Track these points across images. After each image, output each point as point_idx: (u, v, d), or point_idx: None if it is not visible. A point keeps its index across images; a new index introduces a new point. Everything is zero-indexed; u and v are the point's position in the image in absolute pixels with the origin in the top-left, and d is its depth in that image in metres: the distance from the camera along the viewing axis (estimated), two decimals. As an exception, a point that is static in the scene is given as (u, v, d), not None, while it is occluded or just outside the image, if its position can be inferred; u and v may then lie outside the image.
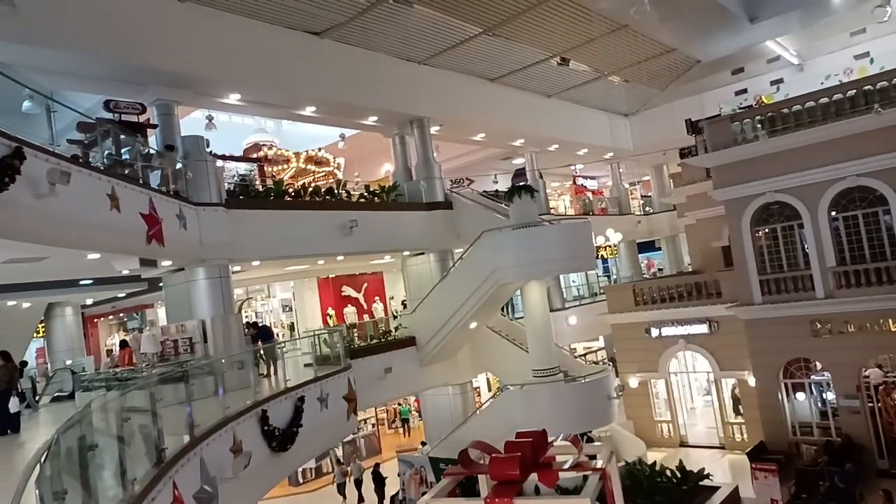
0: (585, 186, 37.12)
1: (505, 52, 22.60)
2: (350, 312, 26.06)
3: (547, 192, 29.66)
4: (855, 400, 18.94)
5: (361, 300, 26.94)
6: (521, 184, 20.44)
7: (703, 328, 22.90)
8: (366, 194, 20.33)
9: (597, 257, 25.38)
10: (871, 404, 19.05)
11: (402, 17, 18.76)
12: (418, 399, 25.16)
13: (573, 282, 33.26)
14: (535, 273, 18.22)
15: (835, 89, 19.80)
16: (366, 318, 25.32)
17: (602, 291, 29.02)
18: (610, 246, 29.28)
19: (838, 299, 18.98)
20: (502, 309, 22.83)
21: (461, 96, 23.69)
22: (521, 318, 21.04)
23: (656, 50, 25.07)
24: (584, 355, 28.34)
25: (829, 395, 19.92)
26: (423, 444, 21.61)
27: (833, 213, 19.33)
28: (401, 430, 29.95)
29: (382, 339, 19.63)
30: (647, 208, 37.36)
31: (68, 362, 17.75)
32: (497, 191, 26.04)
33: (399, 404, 29.77)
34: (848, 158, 18.62)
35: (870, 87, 18.81)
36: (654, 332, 23.96)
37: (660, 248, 38.70)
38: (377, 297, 27.50)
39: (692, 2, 20.72)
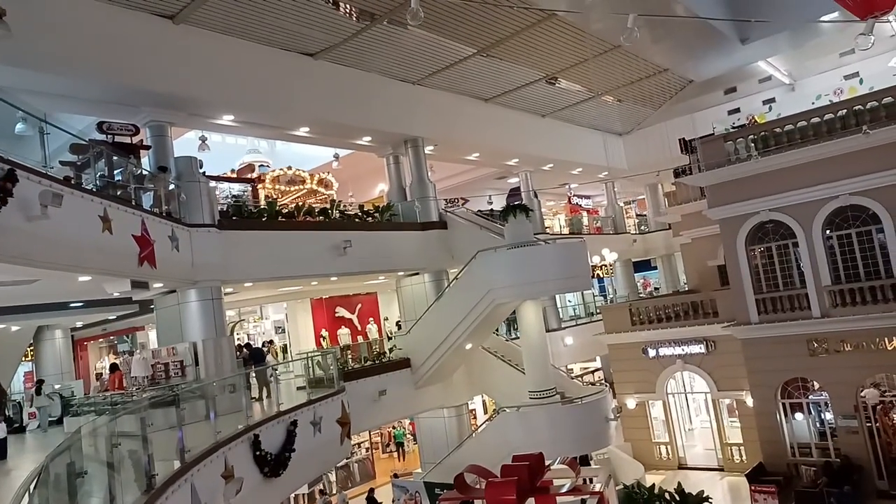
0: (580, 205, 37.22)
1: (499, 72, 22.77)
2: (344, 334, 25.83)
3: (542, 211, 29.68)
4: (853, 420, 18.82)
5: (355, 321, 26.73)
6: (517, 203, 20.42)
7: (700, 348, 22.77)
8: (360, 214, 20.27)
9: (593, 277, 25.28)
10: (869, 424, 18.93)
11: (396, 39, 18.88)
12: (413, 422, 24.89)
13: (569, 302, 33.20)
14: (531, 293, 18.13)
15: (826, 109, 19.94)
16: (360, 339, 25.12)
17: (598, 311, 28.94)
18: (606, 265, 29.18)
19: (834, 318, 18.95)
20: (505, 326, 22.70)
21: (455, 116, 23.80)
22: (518, 338, 20.91)
23: (649, 70, 25.34)
24: (581, 376, 28.21)
25: (828, 415, 19.79)
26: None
27: (827, 232, 19.38)
28: (395, 455, 29.58)
29: (377, 361, 19.43)
30: (642, 227, 37.45)
31: (57, 386, 17.46)
32: (492, 210, 26.05)
33: (394, 428, 29.44)
34: (841, 177, 18.71)
35: (860, 106, 18.97)
36: (651, 353, 23.82)
37: (656, 267, 38.76)
38: (371, 318, 27.30)
39: (684, 23, 20.95)
